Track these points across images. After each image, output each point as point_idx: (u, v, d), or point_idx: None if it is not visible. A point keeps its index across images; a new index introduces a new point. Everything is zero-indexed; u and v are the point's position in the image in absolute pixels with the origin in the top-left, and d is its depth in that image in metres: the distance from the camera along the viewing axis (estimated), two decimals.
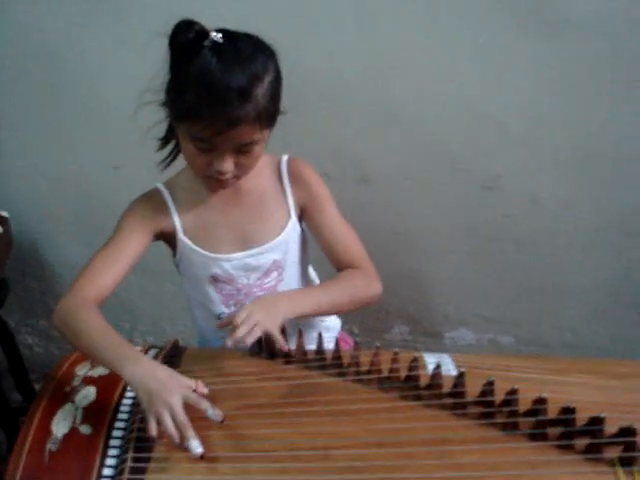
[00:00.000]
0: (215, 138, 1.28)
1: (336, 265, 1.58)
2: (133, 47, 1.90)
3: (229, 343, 1.29)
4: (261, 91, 1.26)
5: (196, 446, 1.11)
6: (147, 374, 1.18)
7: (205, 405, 1.15)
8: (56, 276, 2.57)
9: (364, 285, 1.53)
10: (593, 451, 1.11)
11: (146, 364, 1.21)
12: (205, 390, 1.19)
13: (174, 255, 1.61)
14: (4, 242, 2.17)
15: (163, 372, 1.19)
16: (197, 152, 1.34)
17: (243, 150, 1.33)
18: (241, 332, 1.29)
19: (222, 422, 1.15)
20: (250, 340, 1.30)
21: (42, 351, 2.82)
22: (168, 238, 1.58)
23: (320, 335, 1.42)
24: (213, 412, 1.15)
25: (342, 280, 1.52)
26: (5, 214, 2.24)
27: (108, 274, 1.45)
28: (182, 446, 1.12)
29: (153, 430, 1.14)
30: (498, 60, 1.93)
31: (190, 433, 1.12)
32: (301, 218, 1.60)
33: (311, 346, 1.44)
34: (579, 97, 1.95)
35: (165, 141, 1.49)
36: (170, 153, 1.53)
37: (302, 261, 1.66)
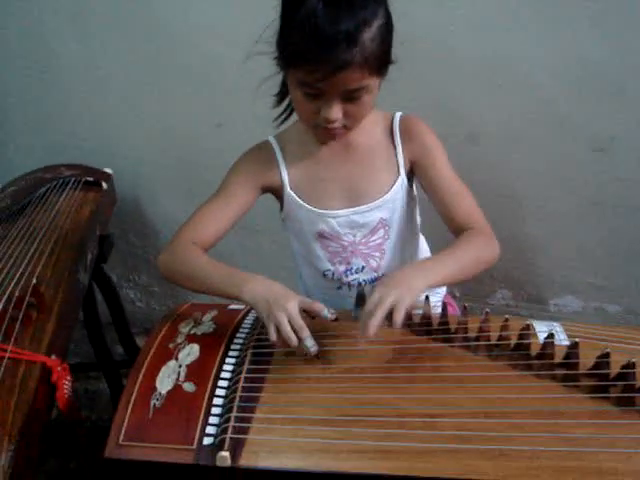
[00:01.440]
0: (321, 83, 1.27)
1: (451, 224, 1.51)
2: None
3: (370, 331, 1.19)
4: (369, 36, 1.23)
5: (311, 344, 1.22)
6: (265, 288, 1.28)
7: (319, 306, 1.26)
8: (157, 233, 2.60)
9: (486, 247, 1.45)
10: None
11: (262, 281, 1.30)
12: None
13: (281, 210, 1.61)
14: (108, 198, 2.20)
15: (279, 286, 1.29)
16: (305, 99, 1.33)
17: (351, 97, 1.31)
18: (377, 320, 1.20)
19: (336, 320, 1.28)
20: (398, 324, 1.21)
21: (143, 306, 2.87)
22: (276, 192, 1.59)
23: (427, 298, 1.39)
24: (328, 312, 1.26)
25: (467, 244, 1.43)
26: (109, 171, 2.27)
27: (212, 224, 1.50)
28: (298, 348, 1.22)
29: (273, 335, 1.22)
30: (615, 18, 1.84)
31: (306, 334, 1.22)
32: (411, 176, 1.57)
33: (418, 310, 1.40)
34: None
35: (281, 97, 1.49)
36: (285, 109, 1.52)
37: (410, 221, 1.63)
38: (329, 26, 1.20)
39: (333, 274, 1.61)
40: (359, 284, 1.60)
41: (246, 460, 1.06)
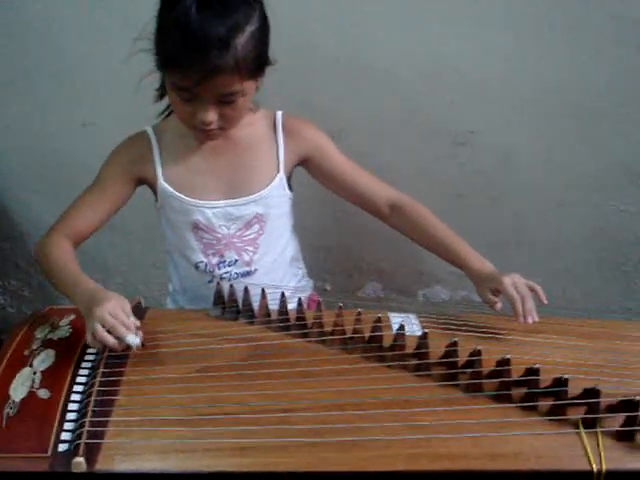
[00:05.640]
0: (195, 88, 1.28)
1: (375, 205, 1.61)
2: None
3: (530, 320, 1.34)
4: (241, 41, 1.24)
5: (132, 339, 1.20)
6: (87, 298, 1.27)
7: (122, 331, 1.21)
8: (25, 235, 2.53)
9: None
10: (557, 413, 1.12)
11: (88, 291, 1.29)
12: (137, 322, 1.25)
13: (156, 202, 1.59)
14: None
15: (102, 293, 1.27)
16: (181, 102, 1.34)
17: (225, 100, 1.32)
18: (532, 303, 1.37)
19: (143, 345, 1.25)
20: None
21: (14, 311, 2.79)
22: (150, 184, 1.57)
23: (283, 295, 1.41)
24: (134, 337, 1.21)
25: (437, 219, 1.58)
26: None
27: (86, 217, 1.51)
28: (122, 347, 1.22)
29: (88, 338, 1.23)
30: (471, 15, 1.89)
31: (121, 332, 1.20)
32: (290, 175, 1.59)
33: (274, 306, 1.42)
34: (552, 52, 1.93)
35: (162, 92, 1.47)
36: (168, 105, 1.52)
37: (286, 219, 1.65)
38: (200, 31, 1.21)
39: (206, 266, 1.60)
40: (230, 277, 1.60)
41: (102, 465, 1.05)
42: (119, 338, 1.20)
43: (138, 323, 1.25)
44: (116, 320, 1.21)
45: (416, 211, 1.57)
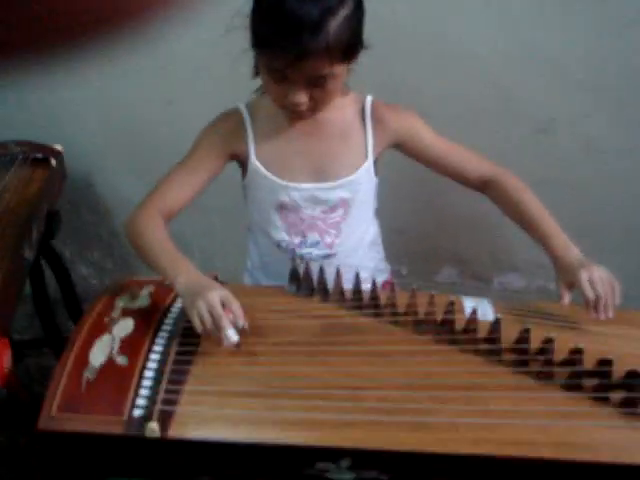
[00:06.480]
0: (286, 69, 1.28)
1: (470, 182, 1.60)
2: None
3: (602, 317, 1.31)
4: (334, 24, 1.23)
5: (232, 334, 1.20)
6: (194, 281, 1.29)
7: (237, 311, 1.24)
8: (110, 209, 2.59)
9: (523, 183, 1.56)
10: (629, 405, 1.10)
11: (194, 275, 1.32)
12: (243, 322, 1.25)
13: (243, 178, 1.61)
14: (58, 175, 2.19)
15: (206, 279, 1.30)
16: (272, 82, 1.34)
17: (316, 83, 1.32)
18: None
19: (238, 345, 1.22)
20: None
21: (96, 282, 2.87)
22: (241, 160, 1.58)
23: (357, 275, 1.42)
24: (242, 323, 1.23)
25: (531, 195, 1.53)
26: (59, 148, 2.25)
27: (179, 192, 1.51)
28: (220, 337, 1.21)
29: (197, 325, 1.23)
30: (557, 2, 1.86)
31: (225, 323, 1.20)
32: (376, 161, 1.58)
33: (348, 286, 1.43)
34: (634, 39, 1.89)
35: (257, 70, 1.46)
36: (261, 84, 1.50)
37: (369, 204, 1.66)
38: (293, 13, 1.21)
39: (287, 245, 1.62)
40: (311, 258, 1.61)
41: (175, 431, 1.08)
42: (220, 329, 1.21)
43: (244, 324, 1.24)
44: (223, 313, 1.21)
45: (510, 186, 1.53)
